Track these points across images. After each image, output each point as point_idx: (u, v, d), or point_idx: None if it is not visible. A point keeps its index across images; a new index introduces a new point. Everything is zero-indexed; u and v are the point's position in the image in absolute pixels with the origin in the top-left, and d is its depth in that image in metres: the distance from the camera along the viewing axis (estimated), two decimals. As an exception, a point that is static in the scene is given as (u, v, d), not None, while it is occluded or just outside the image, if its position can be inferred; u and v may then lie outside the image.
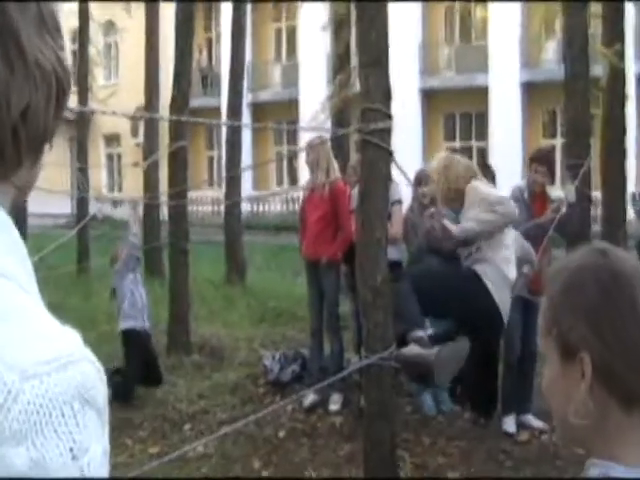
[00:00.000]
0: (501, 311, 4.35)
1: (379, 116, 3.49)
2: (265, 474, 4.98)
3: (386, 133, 3.53)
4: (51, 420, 0.66)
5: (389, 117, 3.57)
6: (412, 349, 3.83)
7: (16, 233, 0.79)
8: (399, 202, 6.06)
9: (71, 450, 0.67)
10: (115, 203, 19.70)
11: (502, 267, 4.39)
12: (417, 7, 23.65)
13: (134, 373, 6.57)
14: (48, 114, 0.80)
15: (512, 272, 4.48)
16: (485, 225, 4.21)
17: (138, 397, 6.52)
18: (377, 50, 3.55)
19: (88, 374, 0.69)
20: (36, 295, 0.78)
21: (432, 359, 3.97)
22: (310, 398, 6.15)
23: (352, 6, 8.46)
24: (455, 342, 4.23)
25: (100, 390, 0.71)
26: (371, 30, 3.60)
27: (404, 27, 23.36)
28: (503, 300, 4.34)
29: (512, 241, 4.60)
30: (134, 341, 6.67)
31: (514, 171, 17.78)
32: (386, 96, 3.54)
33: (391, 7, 3.85)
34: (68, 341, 0.70)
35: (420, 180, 6.04)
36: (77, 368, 0.68)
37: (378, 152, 3.51)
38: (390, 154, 3.67)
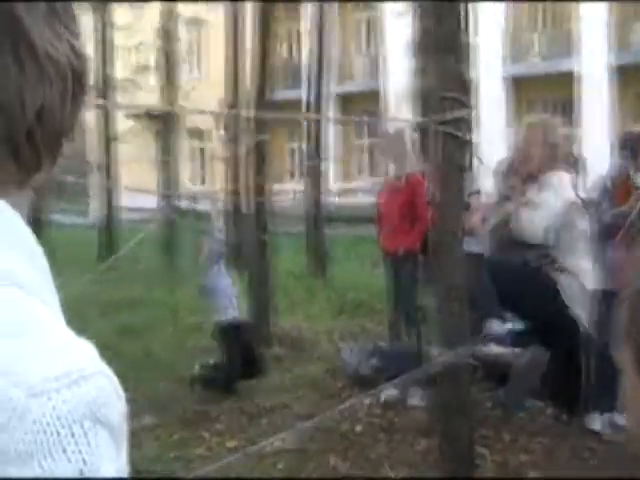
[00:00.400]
0: (579, 323, 4.20)
1: (455, 105, 3.38)
2: (341, 470, 4.92)
3: (463, 122, 3.41)
4: (59, 440, 0.61)
5: (465, 106, 3.45)
6: (491, 349, 3.71)
7: (33, 240, 0.75)
8: (478, 192, 5.91)
9: (81, 472, 0.62)
10: (198, 196, 19.92)
11: (582, 278, 4.23)
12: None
13: (234, 366, 6.57)
14: (65, 109, 0.75)
15: (591, 283, 4.32)
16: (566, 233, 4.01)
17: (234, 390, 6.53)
18: (452, 36, 3.43)
19: (101, 390, 0.64)
20: (54, 304, 0.73)
21: (511, 363, 3.84)
22: (388, 393, 6.07)
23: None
24: (533, 354, 4.10)
25: (115, 407, 0.65)
26: (446, 16, 3.49)
27: (488, 14, 22.99)
28: (581, 312, 4.19)
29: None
30: (229, 334, 6.68)
31: (604, 159, 17.23)
32: (462, 84, 3.42)
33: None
34: (81, 355, 0.65)
35: (503, 169, 5.87)
36: (89, 384, 0.63)
37: (454, 142, 3.39)
38: (467, 144, 3.55)
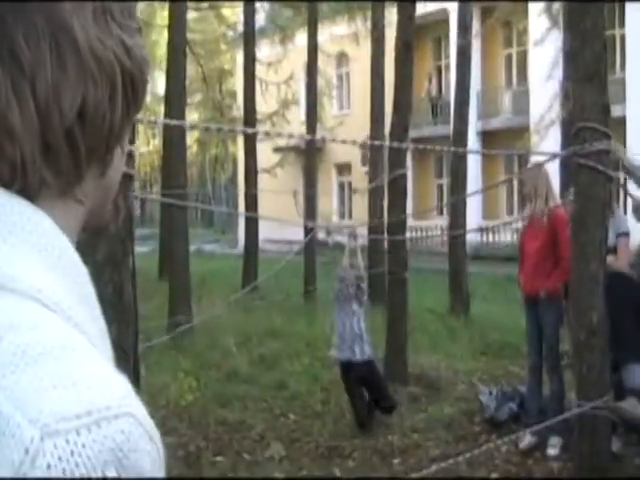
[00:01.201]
0: None
1: (596, 135, 3.18)
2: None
3: (604, 154, 3.19)
4: None
5: (607, 136, 3.24)
6: (630, 403, 3.43)
7: (75, 260, 0.68)
8: (626, 234, 5.56)
9: None
10: (342, 230, 20.07)
11: None
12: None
13: (356, 402, 6.59)
14: (114, 112, 0.69)
15: None
16: None
17: (347, 425, 6.45)
18: (593, 63, 3.24)
19: (129, 434, 0.55)
20: (93, 333, 0.64)
21: None
22: (527, 440, 5.79)
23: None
24: None
25: (147, 453, 0.56)
26: (585, 42, 3.30)
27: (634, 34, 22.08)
28: None
29: None
30: (344, 372, 6.69)
31: None
32: (603, 113, 3.22)
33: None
34: (108, 391, 0.56)
35: None
36: (115, 426, 0.54)
37: (594, 176, 3.19)
38: (609, 178, 3.33)
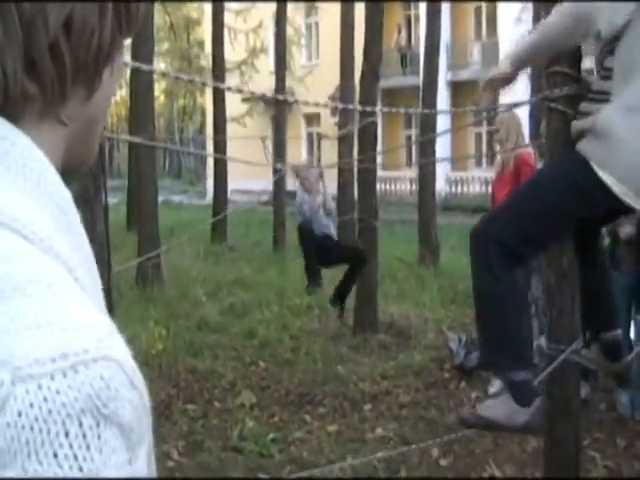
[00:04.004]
0: None
1: (566, 80, 3.14)
2: (443, 463, 4.76)
3: (575, 99, 3.16)
4: (49, 439, 0.48)
5: (577, 81, 3.20)
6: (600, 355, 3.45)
7: (62, 192, 0.62)
8: None
9: None
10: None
11: None
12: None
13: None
14: (103, 29, 0.63)
15: None
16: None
17: (318, 373, 6.46)
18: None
19: (109, 380, 0.50)
20: (82, 272, 0.59)
21: (631, 363, 3.58)
22: (496, 386, 5.84)
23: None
24: None
25: (129, 401, 0.51)
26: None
27: None
28: None
29: None
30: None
31: None
32: (574, 58, 3.17)
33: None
34: (88, 333, 0.51)
35: None
36: (93, 370, 0.50)
37: (564, 120, 3.16)
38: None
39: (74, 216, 0.64)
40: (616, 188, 2.82)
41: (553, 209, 2.98)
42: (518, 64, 3.15)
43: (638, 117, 2.82)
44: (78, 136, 0.69)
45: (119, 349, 0.53)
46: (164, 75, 14.02)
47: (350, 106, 8.35)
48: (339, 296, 8.52)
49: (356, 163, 8.74)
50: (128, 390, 0.52)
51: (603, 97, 2.91)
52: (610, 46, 2.86)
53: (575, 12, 2.90)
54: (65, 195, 0.63)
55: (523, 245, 3.01)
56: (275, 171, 13.29)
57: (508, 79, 3.21)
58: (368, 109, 6.42)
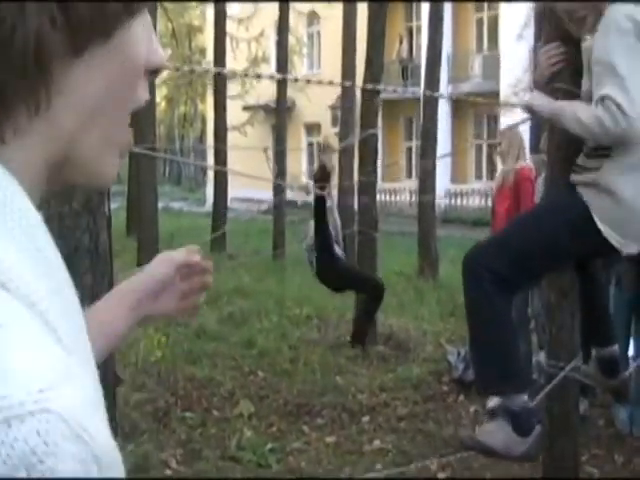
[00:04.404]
0: None
1: (568, 96, 3.16)
2: (441, 476, 4.76)
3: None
4: None
5: (578, 97, 3.22)
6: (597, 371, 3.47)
7: (33, 217, 0.56)
8: None
9: None
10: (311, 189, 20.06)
11: None
12: None
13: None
14: (24, 22, 0.53)
15: None
16: None
17: (317, 384, 6.46)
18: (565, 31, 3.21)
19: (46, 434, 0.45)
20: (46, 301, 0.52)
21: (629, 379, 3.59)
22: (495, 400, 5.84)
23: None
24: None
25: (71, 455, 0.46)
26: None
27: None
28: None
29: None
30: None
31: None
32: (575, 75, 3.19)
33: None
34: (27, 383, 0.45)
35: None
36: (28, 425, 0.44)
37: (565, 135, 3.17)
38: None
39: (44, 240, 0.57)
40: (614, 240, 2.89)
41: (548, 245, 3.02)
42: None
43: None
44: (70, 151, 0.61)
45: (65, 399, 0.47)
46: (166, 68, 13.98)
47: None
48: (361, 334, 7.70)
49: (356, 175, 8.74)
50: (71, 444, 0.46)
51: (602, 152, 2.94)
52: None
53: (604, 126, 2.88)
54: (32, 221, 0.56)
55: (516, 275, 3.03)
56: (275, 189, 13.26)
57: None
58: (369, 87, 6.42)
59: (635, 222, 2.91)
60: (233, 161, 17.14)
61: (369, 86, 7.77)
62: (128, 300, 1.18)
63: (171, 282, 1.21)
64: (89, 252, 2.62)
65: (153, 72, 0.66)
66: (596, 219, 2.91)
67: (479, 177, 27.58)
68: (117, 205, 19.19)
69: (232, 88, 21.59)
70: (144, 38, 0.63)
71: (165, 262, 1.22)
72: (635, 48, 2.83)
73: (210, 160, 19.80)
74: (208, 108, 30.04)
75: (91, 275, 2.62)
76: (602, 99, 2.81)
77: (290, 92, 16.56)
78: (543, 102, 3.11)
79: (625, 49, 2.81)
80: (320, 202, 7.60)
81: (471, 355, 3.45)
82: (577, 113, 2.92)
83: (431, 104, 12.22)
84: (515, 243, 3.07)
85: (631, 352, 5.71)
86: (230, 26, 18.49)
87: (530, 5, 15.40)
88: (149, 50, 0.64)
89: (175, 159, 36.14)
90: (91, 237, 2.71)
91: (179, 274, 1.22)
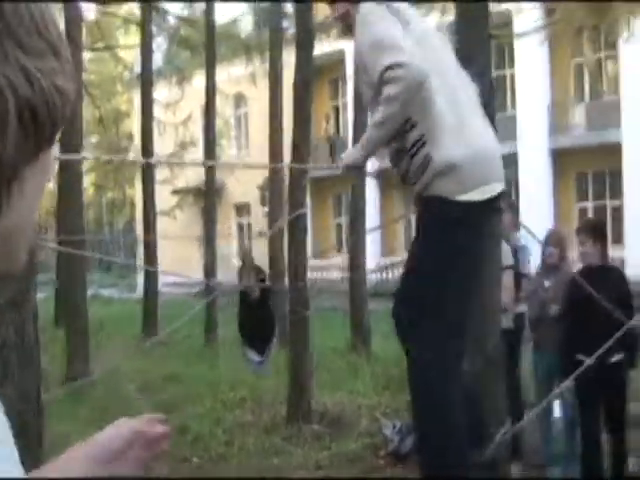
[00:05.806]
0: None
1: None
2: None
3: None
4: None
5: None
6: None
7: None
8: (510, 267, 5.79)
9: None
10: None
11: None
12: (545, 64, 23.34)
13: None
14: (4, 143, 0.59)
15: None
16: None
17: (252, 466, 6.39)
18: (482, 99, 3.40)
19: None
20: None
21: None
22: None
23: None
24: None
25: None
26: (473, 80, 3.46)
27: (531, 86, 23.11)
28: None
29: None
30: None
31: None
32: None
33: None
34: None
35: (549, 240, 5.78)
36: None
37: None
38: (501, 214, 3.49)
39: None
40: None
41: (445, 282, 3.14)
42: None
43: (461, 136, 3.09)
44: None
45: None
46: (95, 158, 14.01)
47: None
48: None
49: (286, 254, 8.82)
50: None
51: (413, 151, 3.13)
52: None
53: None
54: None
55: (432, 318, 3.14)
56: (207, 286, 13.28)
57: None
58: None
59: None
60: (163, 247, 17.06)
61: (296, 165, 7.93)
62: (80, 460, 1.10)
63: (123, 450, 1.13)
64: (15, 346, 2.61)
65: None
66: (454, 197, 3.28)
67: (408, 248, 27.95)
68: (45, 295, 18.85)
69: (161, 172, 21.66)
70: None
71: (121, 430, 1.14)
72: None
73: (140, 248, 19.69)
74: (137, 193, 29.98)
75: (19, 370, 2.60)
76: (381, 75, 2.98)
77: (219, 174, 16.72)
78: (352, 153, 3.30)
79: None
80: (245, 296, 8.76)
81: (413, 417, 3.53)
82: (371, 123, 3.12)
83: (357, 180, 12.46)
84: (418, 290, 3.25)
85: (557, 414, 5.84)
86: (157, 111, 18.66)
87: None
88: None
89: (104, 258, 35.59)
90: (17, 330, 2.70)
91: (136, 443, 1.13)
